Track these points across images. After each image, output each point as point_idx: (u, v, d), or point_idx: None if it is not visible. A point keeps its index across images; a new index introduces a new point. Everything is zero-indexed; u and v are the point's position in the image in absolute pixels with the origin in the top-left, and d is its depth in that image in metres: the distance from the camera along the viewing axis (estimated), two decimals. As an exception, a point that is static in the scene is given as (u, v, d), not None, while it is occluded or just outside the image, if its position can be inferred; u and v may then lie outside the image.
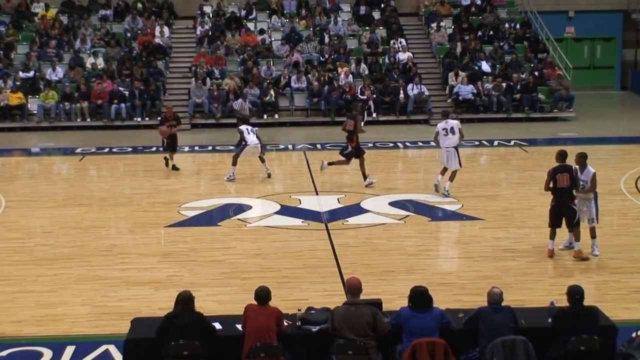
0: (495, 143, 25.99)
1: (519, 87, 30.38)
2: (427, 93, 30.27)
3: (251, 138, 21.11)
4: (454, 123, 18.88)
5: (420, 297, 10.06)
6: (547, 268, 14.59)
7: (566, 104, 30.68)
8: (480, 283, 13.43)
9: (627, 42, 37.27)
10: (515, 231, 16.78)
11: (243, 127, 21.34)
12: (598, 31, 36.92)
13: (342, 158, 20.44)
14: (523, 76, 30.91)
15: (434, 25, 33.79)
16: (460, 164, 18.97)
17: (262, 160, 21.49)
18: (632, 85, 36.82)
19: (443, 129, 18.72)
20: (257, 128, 21.87)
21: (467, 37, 33.05)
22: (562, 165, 14.73)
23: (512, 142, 25.83)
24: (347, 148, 20.29)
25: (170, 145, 22.41)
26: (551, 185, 14.79)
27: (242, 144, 21.13)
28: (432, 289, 10.46)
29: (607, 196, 19.42)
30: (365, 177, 20.29)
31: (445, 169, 19.12)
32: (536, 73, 31.20)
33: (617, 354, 10.25)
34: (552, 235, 14.98)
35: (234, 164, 21.21)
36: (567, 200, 14.72)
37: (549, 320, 10.29)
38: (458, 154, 18.92)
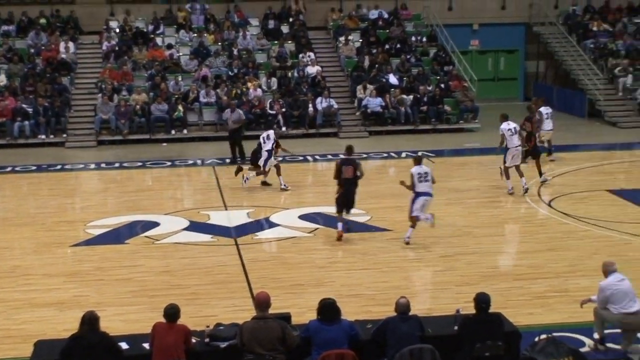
0: (403, 154, 26.28)
1: (425, 99, 30.81)
2: (336, 106, 30.46)
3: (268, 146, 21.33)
4: (428, 169, 17.31)
5: (328, 310, 10.11)
6: (453, 276, 14.80)
7: (471, 115, 31.24)
8: (389, 293, 13.55)
9: (529, 54, 38.10)
10: (422, 241, 16.97)
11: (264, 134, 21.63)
12: (501, 44, 37.68)
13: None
14: (430, 88, 31.36)
15: (342, 38, 34.05)
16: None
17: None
18: (535, 96, 37.56)
19: (418, 174, 16.97)
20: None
21: (374, 51, 33.40)
22: (347, 159, 17.11)
23: (420, 154, 26.11)
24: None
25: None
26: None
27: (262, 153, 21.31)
28: (341, 301, 10.54)
29: (511, 204, 19.90)
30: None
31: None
32: (442, 85, 31.70)
33: (521, 359, 10.46)
34: (340, 219, 17.03)
35: (266, 172, 21.53)
36: (351, 187, 16.96)
37: (455, 327, 10.44)
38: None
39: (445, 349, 10.09)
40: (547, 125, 24.26)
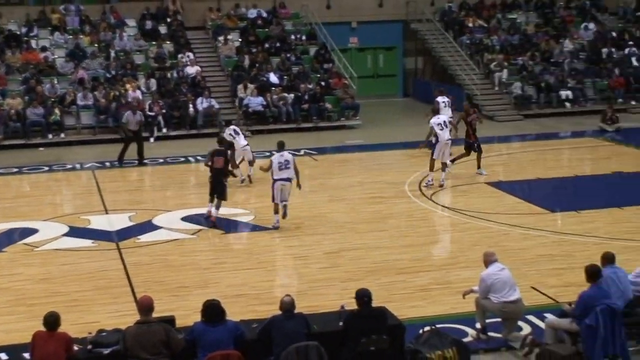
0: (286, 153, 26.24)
1: (306, 97, 30.93)
2: (217, 106, 30.27)
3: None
4: (290, 157, 17.72)
5: (212, 311, 10.01)
6: (337, 273, 14.88)
7: (352, 112, 31.52)
8: (274, 292, 13.54)
9: (407, 51, 38.65)
10: (307, 238, 17.05)
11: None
12: (380, 41, 38.10)
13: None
14: (310, 86, 31.49)
15: (221, 38, 33.85)
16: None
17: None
18: (414, 92, 38.23)
19: (279, 162, 17.39)
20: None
21: (254, 50, 33.33)
22: (218, 150, 18.27)
23: (302, 152, 26.22)
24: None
25: None
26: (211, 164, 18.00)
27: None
28: (226, 302, 10.46)
29: (393, 199, 20.15)
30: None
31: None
32: (323, 83, 31.87)
33: (406, 351, 10.58)
34: (211, 200, 17.99)
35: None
36: (219, 177, 17.99)
37: (340, 323, 10.49)
38: None
39: (332, 345, 10.12)
40: (447, 112, 24.65)
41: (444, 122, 21.27)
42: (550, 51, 34.74)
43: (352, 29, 37.66)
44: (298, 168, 17.73)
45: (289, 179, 17.51)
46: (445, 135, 21.02)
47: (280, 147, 17.87)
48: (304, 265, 15.38)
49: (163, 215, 19.01)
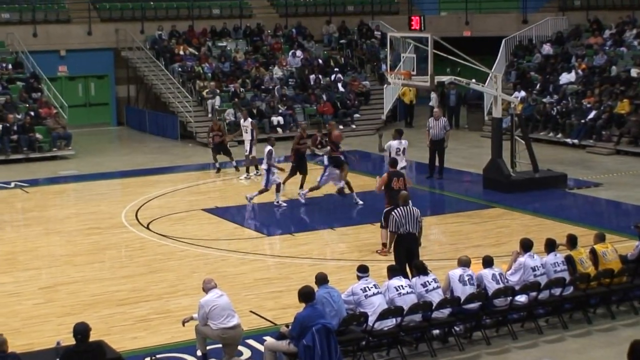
0: (-7, 186, 25.18)
1: (15, 127, 29.76)
2: None
3: None
4: None
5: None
6: (54, 308, 14.43)
7: (64, 142, 30.70)
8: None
9: (119, 79, 38.17)
10: (20, 274, 16.41)
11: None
12: (91, 69, 37.39)
13: None
14: (19, 117, 30.35)
15: None
16: None
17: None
18: (127, 120, 37.83)
19: None
20: None
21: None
22: None
23: (13, 184, 25.21)
24: None
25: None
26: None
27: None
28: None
29: (111, 229, 19.83)
30: None
31: None
32: (32, 113, 30.82)
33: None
34: None
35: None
36: None
37: (57, 360, 10.19)
38: None
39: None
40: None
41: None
42: (261, 78, 35.68)
43: (61, 57, 36.70)
44: None
45: None
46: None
47: None
48: (17, 302, 14.78)
49: None
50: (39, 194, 24.14)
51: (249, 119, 26.20)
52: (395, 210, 15.04)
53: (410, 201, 15.28)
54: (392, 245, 15.27)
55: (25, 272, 16.62)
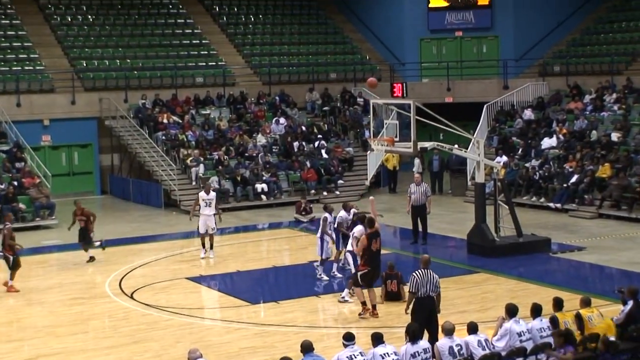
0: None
1: None
2: None
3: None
4: None
5: None
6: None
7: (48, 212, 30.63)
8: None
9: (103, 148, 38.17)
10: (2, 346, 16.25)
11: None
12: (74, 138, 37.43)
13: None
14: (2, 187, 30.31)
15: None
16: None
17: None
18: (111, 189, 37.80)
19: None
20: None
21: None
22: None
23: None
24: None
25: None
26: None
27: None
28: None
29: (94, 299, 19.71)
30: None
31: None
32: (15, 183, 30.79)
33: None
34: None
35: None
36: None
37: None
38: None
39: None
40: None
41: None
42: (244, 145, 35.82)
43: (45, 127, 36.78)
44: None
45: None
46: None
47: None
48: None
49: None
50: (24, 264, 23.91)
51: (212, 193, 24.76)
52: (416, 272, 14.94)
53: (429, 265, 15.21)
54: (410, 307, 15.10)
55: (8, 344, 16.46)
